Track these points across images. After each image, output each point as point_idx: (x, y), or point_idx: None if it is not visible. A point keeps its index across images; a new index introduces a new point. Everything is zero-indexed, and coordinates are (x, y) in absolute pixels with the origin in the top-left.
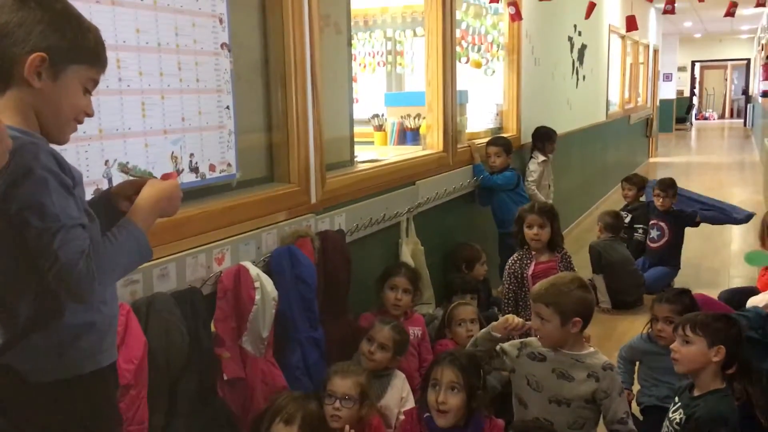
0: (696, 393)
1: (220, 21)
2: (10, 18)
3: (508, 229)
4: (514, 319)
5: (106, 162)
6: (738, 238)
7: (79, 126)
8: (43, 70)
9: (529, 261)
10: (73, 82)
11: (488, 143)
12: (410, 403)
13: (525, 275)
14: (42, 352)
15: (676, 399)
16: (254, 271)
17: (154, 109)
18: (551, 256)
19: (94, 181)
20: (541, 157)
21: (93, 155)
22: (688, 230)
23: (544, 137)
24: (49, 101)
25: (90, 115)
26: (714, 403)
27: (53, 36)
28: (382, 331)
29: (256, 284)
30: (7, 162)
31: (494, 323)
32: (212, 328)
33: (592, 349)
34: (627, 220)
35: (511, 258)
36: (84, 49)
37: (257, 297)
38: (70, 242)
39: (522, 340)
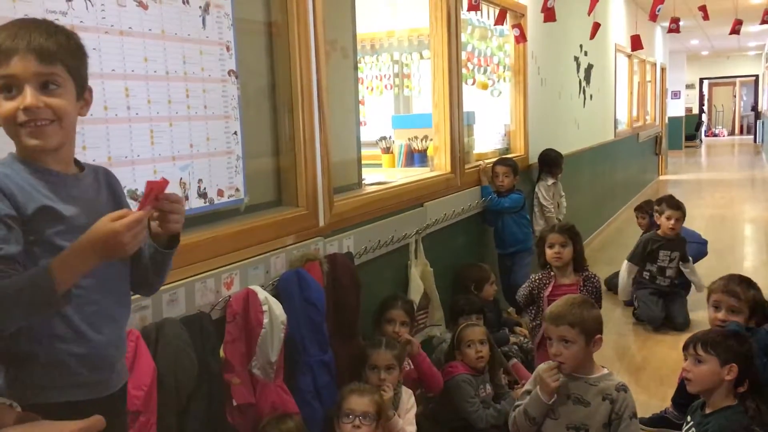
0: (708, 411)
1: (228, 48)
2: None
3: (507, 251)
4: (550, 367)
5: None
6: (751, 255)
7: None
8: None
9: (547, 282)
10: None
11: (497, 162)
12: (412, 414)
13: (541, 295)
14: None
15: (689, 418)
16: (262, 294)
17: (162, 136)
18: (574, 278)
19: None
20: (551, 180)
21: None
22: None
23: (551, 163)
24: None
25: (26, 108)
26: (725, 419)
27: None
28: (381, 354)
29: (264, 308)
30: None
31: (540, 390)
32: (221, 354)
33: (605, 371)
34: None
35: (533, 276)
36: None
37: (265, 320)
38: None
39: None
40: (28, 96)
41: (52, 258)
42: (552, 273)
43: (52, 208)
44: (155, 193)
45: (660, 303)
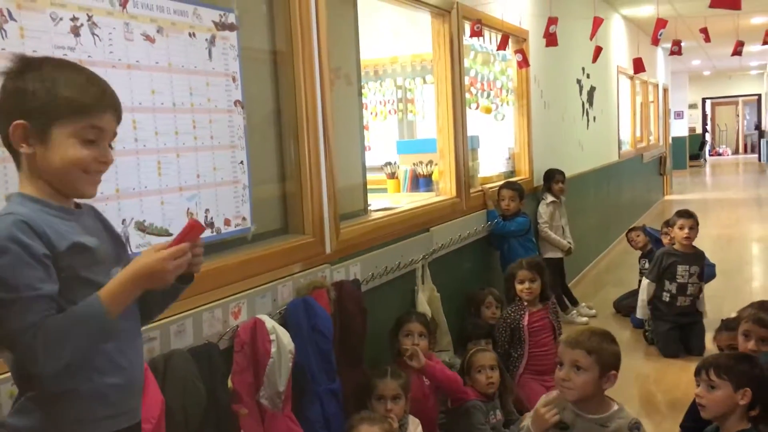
0: None
1: (234, 79)
2: (3, 96)
3: None
4: (543, 408)
5: (123, 221)
6: (760, 275)
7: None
8: (30, 135)
9: (522, 312)
10: (61, 138)
11: (503, 186)
12: None
13: (521, 325)
14: (31, 416)
15: None
16: (270, 323)
17: (169, 167)
18: (541, 305)
19: None
20: (550, 198)
21: (110, 214)
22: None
23: (547, 177)
24: (44, 163)
25: (104, 162)
26: None
27: (27, 101)
28: (388, 384)
29: (272, 337)
30: None
31: (531, 424)
32: (229, 384)
33: (616, 407)
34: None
35: (506, 311)
36: (59, 105)
37: (273, 350)
38: (21, 314)
39: None
40: (110, 153)
41: (82, 292)
42: (525, 303)
43: (81, 243)
44: (194, 234)
45: (678, 337)
